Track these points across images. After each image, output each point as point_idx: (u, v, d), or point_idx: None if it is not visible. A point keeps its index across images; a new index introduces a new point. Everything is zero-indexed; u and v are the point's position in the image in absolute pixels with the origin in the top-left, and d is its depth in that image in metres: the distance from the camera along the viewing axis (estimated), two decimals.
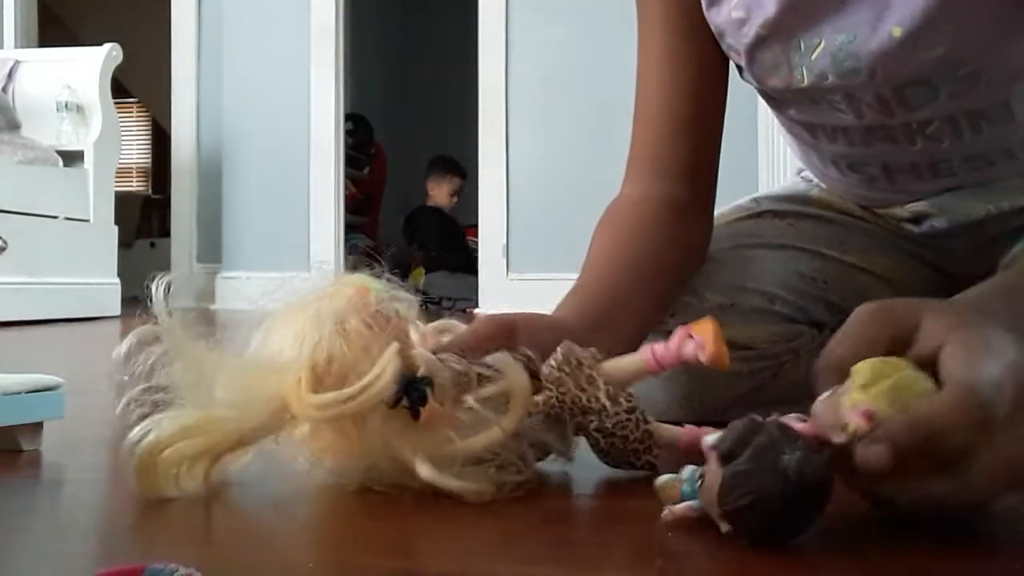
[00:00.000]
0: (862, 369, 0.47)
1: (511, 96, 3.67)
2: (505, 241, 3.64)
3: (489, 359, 0.59)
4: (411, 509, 0.54)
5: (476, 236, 3.93)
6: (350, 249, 4.24)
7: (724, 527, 0.45)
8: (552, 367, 0.60)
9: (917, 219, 0.91)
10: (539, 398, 0.60)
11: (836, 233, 0.94)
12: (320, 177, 3.95)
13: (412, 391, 0.55)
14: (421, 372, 0.56)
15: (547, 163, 3.63)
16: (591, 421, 0.60)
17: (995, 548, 0.47)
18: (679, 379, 0.84)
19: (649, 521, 0.50)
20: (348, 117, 4.36)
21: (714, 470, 0.46)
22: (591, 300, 0.76)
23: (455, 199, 4.98)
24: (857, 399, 0.46)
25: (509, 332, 0.64)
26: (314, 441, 0.60)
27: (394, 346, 0.57)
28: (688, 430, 0.62)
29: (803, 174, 1.03)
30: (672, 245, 0.85)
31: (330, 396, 0.55)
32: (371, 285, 0.61)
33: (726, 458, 0.45)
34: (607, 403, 0.59)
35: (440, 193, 4.97)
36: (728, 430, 0.46)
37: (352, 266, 0.66)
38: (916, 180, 0.86)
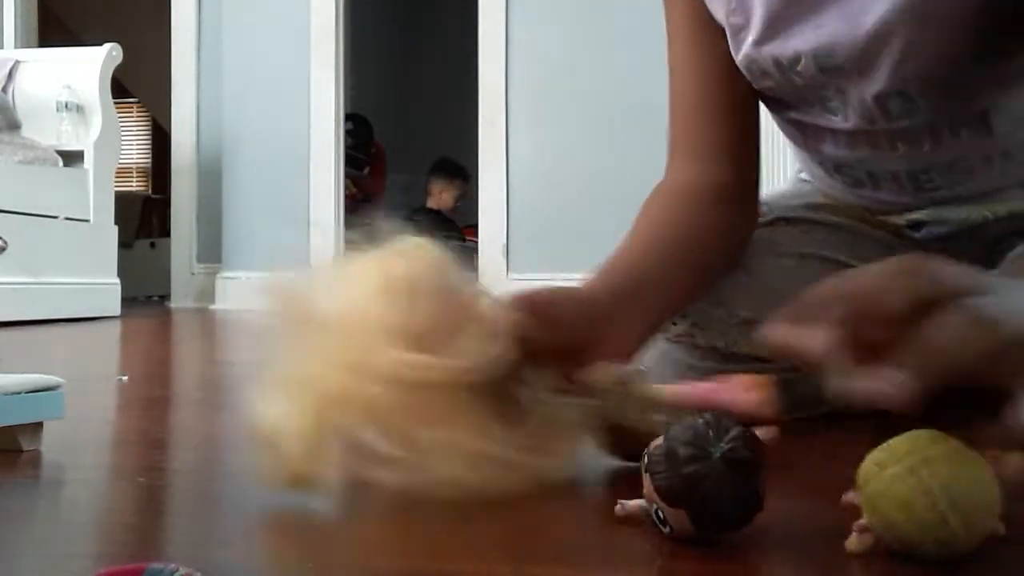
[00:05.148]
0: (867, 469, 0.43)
1: (511, 96, 3.67)
2: (505, 241, 3.64)
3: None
4: (411, 508, 0.54)
5: (475, 236, 3.93)
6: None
7: (665, 528, 0.45)
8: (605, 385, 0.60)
9: (915, 226, 0.91)
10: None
11: (847, 240, 0.94)
12: (320, 177, 3.95)
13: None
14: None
15: (547, 163, 3.63)
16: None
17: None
18: None
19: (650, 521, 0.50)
20: (348, 117, 4.36)
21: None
22: (619, 273, 0.76)
23: (458, 203, 5.00)
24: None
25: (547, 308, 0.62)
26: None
27: (506, 320, 0.55)
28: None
29: (801, 175, 1.03)
30: (713, 227, 0.85)
31: (438, 360, 0.51)
32: (432, 250, 0.58)
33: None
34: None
35: (445, 198, 4.99)
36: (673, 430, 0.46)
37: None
38: (899, 191, 0.87)
